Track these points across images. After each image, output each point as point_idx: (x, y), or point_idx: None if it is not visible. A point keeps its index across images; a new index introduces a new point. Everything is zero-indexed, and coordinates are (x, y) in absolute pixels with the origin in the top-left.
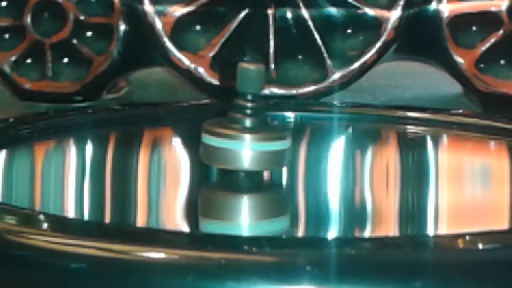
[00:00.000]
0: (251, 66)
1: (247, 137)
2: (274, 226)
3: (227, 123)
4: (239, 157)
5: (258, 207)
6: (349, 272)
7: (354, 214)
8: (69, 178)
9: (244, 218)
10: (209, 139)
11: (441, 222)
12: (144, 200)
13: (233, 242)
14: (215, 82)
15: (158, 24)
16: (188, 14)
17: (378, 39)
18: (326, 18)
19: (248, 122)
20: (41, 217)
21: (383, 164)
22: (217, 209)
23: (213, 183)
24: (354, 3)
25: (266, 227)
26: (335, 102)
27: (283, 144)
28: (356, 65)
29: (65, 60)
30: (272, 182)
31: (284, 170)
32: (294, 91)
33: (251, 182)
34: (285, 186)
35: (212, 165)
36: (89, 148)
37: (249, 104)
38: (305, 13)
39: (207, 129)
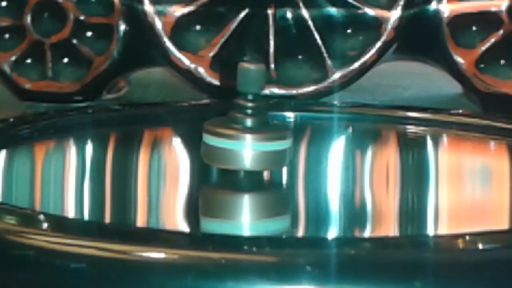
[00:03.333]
0: (252, 66)
1: (248, 137)
2: (275, 226)
3: (228, 123)
4: (240, 157)
5: (259, 206)
6: (349, 272)
7: (354, 214)
8: (69, 178)
9: (245, 217)
10: (210, 139)
11: (441, 222)
12: (144, 200)
13: (233, 242)
14: (215, 82)
15: (158, 24)
16: (188, 14)
17: (378, 39)
18: (326, 18)
19: (249, 122)
20: (41, 217)
21: (383, 164)
22: (218, 208)
23: (214, 182)
24: (354, 3)
25: (267, 226)
26: (335, 102)
27: (284, 144)
28: (356, 65)
29: (65, 60)
30: (273, 182)
31: (284, 170)
32: (294, 91)
33: (252, 182)
34: (286, 185)
35: (213, 165)
36: (89, 148)
37: (249, 104)
38: (305, 13)
39: (208, 129)
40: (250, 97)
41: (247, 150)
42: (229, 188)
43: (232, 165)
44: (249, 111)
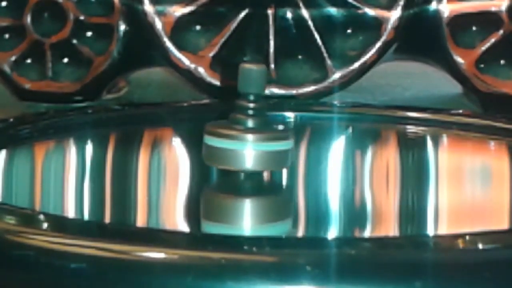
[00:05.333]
0: (253, 67)
1: (250, 137)
2: (276, 230)
3: (229, 123)
4: (241, 157)
5: (260, 210)
6: (349, 272)
7: (354, 214)
8: (69, 178)
9: (246, 221)
10: (211, 140)
11: (441, 222)
12: (144, 200)
13: (233, 242)
14: (215, 82)
15: (158, 24)
16: (188, 14)
17: (378, 39)
18: (326, 18)
19: (250, 123)
20: (41, 217)
21: (383, 164)
22: (219, 211)
23: (216, 185)
24: (354, 3)
25: (268, 231)
26: (335, 102)
27: (285, 144)
28: (356, 65)
29: (65, 60)
30: (274, 184)
31: (284, 170)
32: (294, 91)
33: (253, 184)
34: (287, 188)
35: (214, 166)
36: (89, 148)
37: (251, 105)
38: (305, 13)
39: (209, 130)
40: (251, 97)
41: (248, 150)
42: (231, 191)
43: (234, 166)
44: (250, 112)
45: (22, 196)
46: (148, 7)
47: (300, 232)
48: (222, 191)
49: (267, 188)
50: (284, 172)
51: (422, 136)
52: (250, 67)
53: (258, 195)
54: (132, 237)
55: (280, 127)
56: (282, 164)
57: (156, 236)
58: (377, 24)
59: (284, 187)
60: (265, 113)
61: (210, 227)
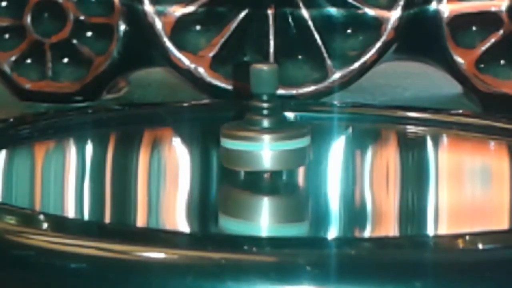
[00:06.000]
0: (264, 67)
1: (266, 137)
2: (294, 231)
3: (245, 125)
4: (259, 158)
5: (279, 210)
6: (349, 272)
7: (354, 214)
8: (69, 178)
9: (264, 219)
10: (228, 143)
11: (441, 222)
12: (144, 200)
13: (233, 242)
14: (215, 82)
15: (158, 24)
16: (188, 14)
17: (378, 39)
18: (326, 18)
19: (265, 123)
20: (41, 217)
21: (383, 164)
22: (238, 207)
23: (236, 182)
24: (354, 3)
25: (286, 231)
26: (335, 102)
27: (302, 142)
28: (356, 65)
29: (65, 60)
30: (293, 184)
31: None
32: (294, 91)
33: (272, 183)
34: (303, 188)
35: (233, 169)
36: (89, 148)
37: (265, 105)
38: (305, 13)
39: (226, 133)
40: (264, 97)
41: (265, 150)
42: (251, 189)
43: (253, 167)
44: (265, 112)
45: (22, 196)
46: (148, 7)
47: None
48: (242, 188)
49: (287, 188)
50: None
51: (422, 136)
52: (260, 67)
53: (277, 194)
54: (132, 237)
55: (296, 125)
56: (300, 162)
57: (156, 236)
58: (377, 24)
59: (302, 188)
60: (279, 112)
61: (227, 222)
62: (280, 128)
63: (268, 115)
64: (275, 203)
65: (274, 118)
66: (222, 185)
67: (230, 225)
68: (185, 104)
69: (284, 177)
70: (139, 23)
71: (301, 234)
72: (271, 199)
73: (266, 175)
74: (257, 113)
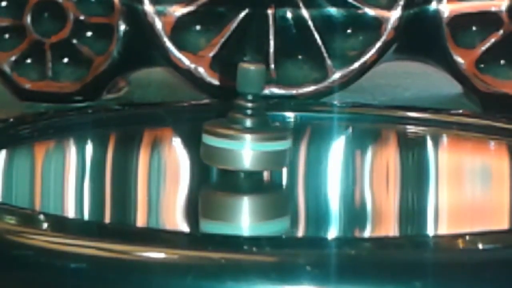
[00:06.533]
0: (251, 66)
1: (248, 137)
2: (275, 227)
3: (228, 123)
4: (239, 157)
5: (259, 208)
6: (349, 272)
7: (354, 214)
8: (69, 178)
9: (245, 219)
10: (209, 139)
11: (441, 222)
12: (144, 200)
13: (233, 242)
14: (215, 82)
15: (158, 24)
16: (188, 14)
17: (378, 39)
18: (326, 18)
19: (248, 122)
20: (41, 217)
21: (383, 164)
22: (217, 209)
23: (214, 183)
24: (354, 3)
25: (267, 228)
26: (335, 102)
27: (283, 144)
28: (356, 65)
29: (65, 60)
30: (273, 183)
31: (284, 170)
32: (294, 91)
33: (252, 183)
34: (285, 186)
35: (212, 165)
36: (89, 148)
37: (249, 104)
38: (305, 13)
39: (208, 129)
40: (249, 97)
41: (246, 150)
42: (229, 189)
43: (232, 165)
44: (248, 111)
45: (22, 196)
46: (148, 7)
47: (300, 232)
48: (220, 189)
49: (265, 187)
50: (284, 172)
51: (422, 136)
52: (248, 67)
53: (256, 193)
54: (132, 237)
55: (279, 127)
56: (280, 164)
57: (156, 236)
58: (377, 24)
59: (282, 186)
60: (263, 112)
61: (208, 225)
62: (263, 129)
63: (252, 115)
64: (252, 201)
65: (258, 119)
66: (200, 188)
67: (210, 227)
68: (185, 104)
69: (269, 177)
70: (139, 23)
71: (283, 230)
72: (248, 198)
73: (243, 175)
74: (240, 112)
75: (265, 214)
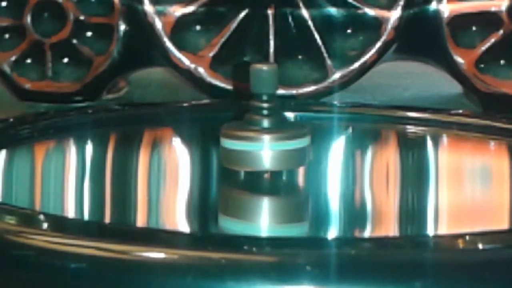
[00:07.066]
0: (264, 67)
1: (266, 137)
2: (294, 231)
3: (245, 125)
4: (259, 158)
5: (279, 210)
6: (349, 272)
7: (354, 214)
8: (69, 178)
9: (264, 220)
10: (228, 143)
11: (441, 222)
12: (144, 200)
13: (233, 242)
14: (215, 82)
15: (158, 24)
16: (188, 14)
17: (378, 39)
18: (326, 18)
19: (265, 123)
20: (41, 217)
21: (383, 164)
22: (238, 208)
23: (235, 182)
24: (354, 3)
25: (285, 231)
26: (335, 102)
27: (302, 142)
28: (356, 65)
29: (65, 60)
30: (293, 184)
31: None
32: (294, 91)
33: (272, 183)
34: (303, 188)
35: (233, 169)
36: (89, 148)
37: (265, 105)
38: (305, 13)
39: (225, 133)
40: (264, 97)
41: (265, 150)
42: (251, 189)
43: (253, 167)
44: (265, 112)
45: (22, 196)
46: (148, 7)
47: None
48: (242, 188)
49: (286, 188)
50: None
51: (422, 136)
52: (260, 67)
53: (277, 194)
54: (132, 237)
55: (296, 125)
56: (300, 162)
57: (156, 236)
58: (377, 24)
59: (302, 188)
60: (279, 112)
61: (226, 222)
62: (280, 128)
63: (268, 115)
64: (275, 203)
65: (274, 118)
66: (222, 186)
67: (230, 225)
68: (185, 104)
69: (284, 177)
70: (139, 23)
71: (301, 235)
72: (271, 200)
73: (266, 175)
74: (257, 113)
75: (285, 217)
